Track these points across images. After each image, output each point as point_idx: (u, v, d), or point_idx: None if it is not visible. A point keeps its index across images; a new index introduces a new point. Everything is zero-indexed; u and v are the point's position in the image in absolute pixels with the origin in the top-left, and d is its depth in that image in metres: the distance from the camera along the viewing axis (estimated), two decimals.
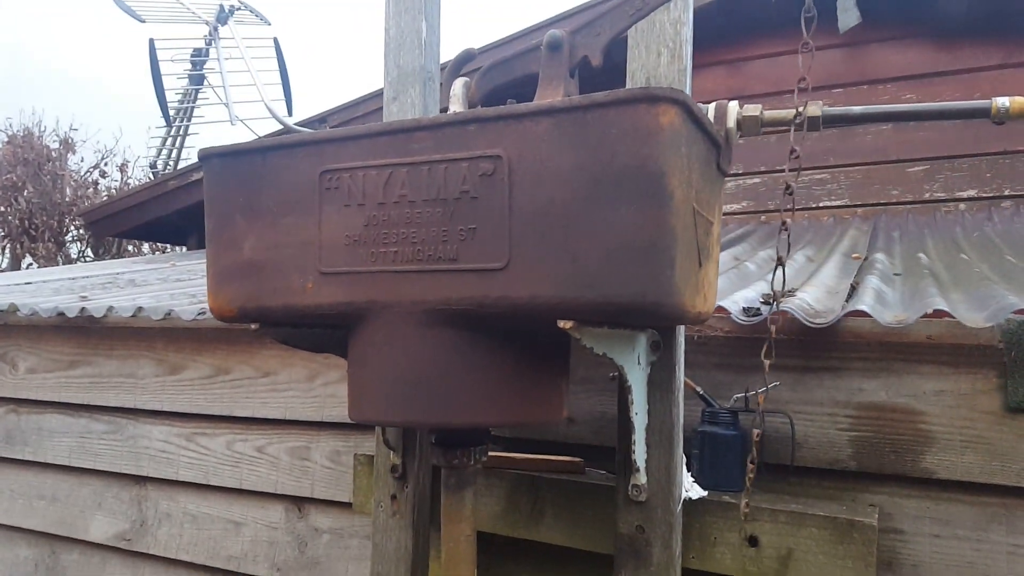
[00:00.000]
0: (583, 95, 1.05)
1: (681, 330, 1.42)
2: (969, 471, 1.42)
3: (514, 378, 1.18)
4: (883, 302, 1.69)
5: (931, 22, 3.78)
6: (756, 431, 1.19)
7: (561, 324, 1.08)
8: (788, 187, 1.10)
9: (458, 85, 1.33)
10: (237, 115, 5.11)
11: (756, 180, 4.06)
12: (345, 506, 2.06)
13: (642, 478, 1.38)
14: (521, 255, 1.07)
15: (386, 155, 1.16)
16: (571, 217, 1.04)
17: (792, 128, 1.14)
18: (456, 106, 1.32)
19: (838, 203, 3.94)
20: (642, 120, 1.01)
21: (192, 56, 5.91)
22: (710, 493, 1.45)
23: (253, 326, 1.30)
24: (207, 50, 5.81)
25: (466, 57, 1.34)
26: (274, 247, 1.25)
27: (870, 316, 1.48)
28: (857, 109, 1.21)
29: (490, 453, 1.63)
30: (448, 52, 1.64)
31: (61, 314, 2.54)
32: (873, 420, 1.50)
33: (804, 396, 1.55)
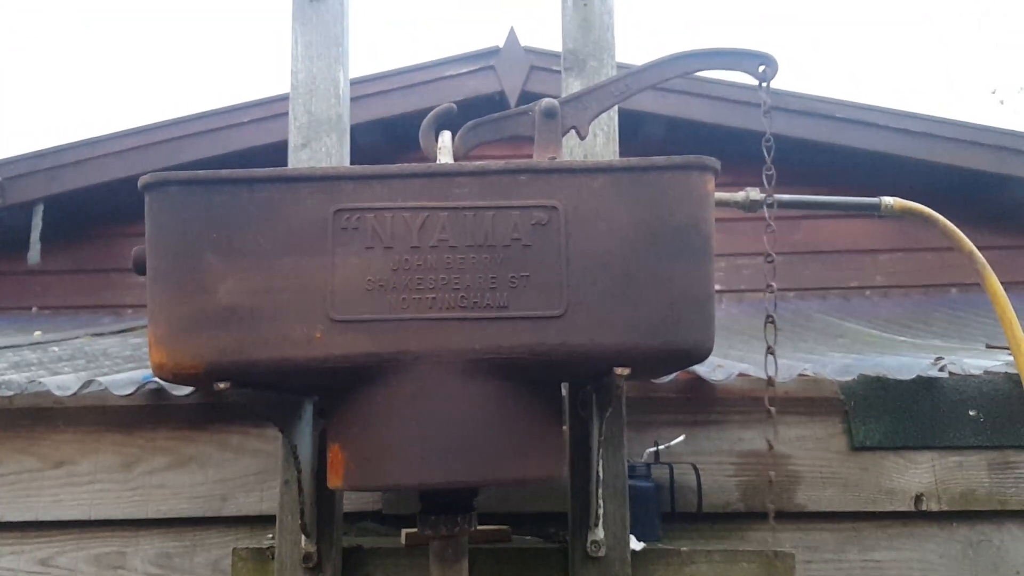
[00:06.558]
0: (639, 157, 1.14)
1: (624, 386, 1.51)
2: (830, 502, 1.71)
3: (545, 428, 1.17)
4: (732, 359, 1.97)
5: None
6: None
7: (619, 371, 1.11)
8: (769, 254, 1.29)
9: (447, 138, 1.31)
10: None
11: None
12: None
13: (600, 533, 1.41)
14: (579, 303, 1.09)
15: (420, 198, 1.11)
16: (631, 267, 1.10)
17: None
18: (445, 157, 1.30)
19: None
20: (695, 185, 1.13)
21: None
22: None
23: (222, 385, 1.09)
24: None
25: (448, 112, 1.33)
26: (265, 292, 1.09)
27: (749, 376, 1.73)
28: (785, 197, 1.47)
29: (406, 530, 1.53)
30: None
31: None
32: (753, 465, 1.72)
33: (695, 447, 1.72)
